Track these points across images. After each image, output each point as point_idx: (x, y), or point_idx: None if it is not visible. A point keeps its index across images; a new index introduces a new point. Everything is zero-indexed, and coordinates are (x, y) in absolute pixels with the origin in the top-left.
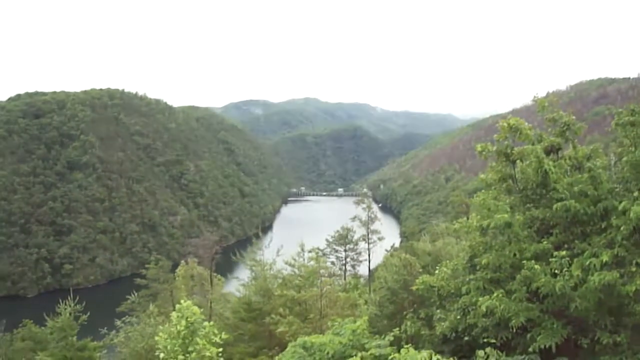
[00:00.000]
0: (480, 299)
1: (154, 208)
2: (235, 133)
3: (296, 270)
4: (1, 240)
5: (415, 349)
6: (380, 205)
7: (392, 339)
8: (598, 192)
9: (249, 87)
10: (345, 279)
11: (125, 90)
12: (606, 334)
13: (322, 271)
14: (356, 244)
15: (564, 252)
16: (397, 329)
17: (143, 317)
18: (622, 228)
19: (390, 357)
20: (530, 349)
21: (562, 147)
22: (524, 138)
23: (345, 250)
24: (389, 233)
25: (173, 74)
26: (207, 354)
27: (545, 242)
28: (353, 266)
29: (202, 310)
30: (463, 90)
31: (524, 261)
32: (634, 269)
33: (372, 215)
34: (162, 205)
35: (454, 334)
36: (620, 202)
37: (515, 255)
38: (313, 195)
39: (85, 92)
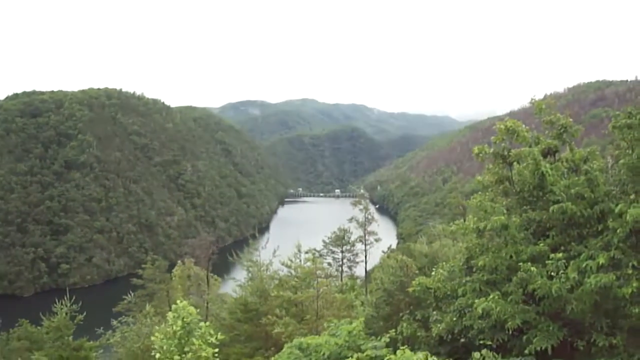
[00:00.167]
0: (477, 300)
1: (151, 208)
2: (232, 133)
3: (292, 271)
4: None
5: (411, 350)
6: (377, 206)
7: (388, 340)
8: (595, 195)
9: (247, 88)
10: (341, 280)
11: (123, 90)
12: (602, 336)
13: (318, 272)
14: (353, 245)
15: (560, 255)
16: (393, 330)
17: (139, 317)
18: (618, 230)
19: (386, 359)
20: (527, 351)
21: (559, 149)
22: (521, 140)
23: (342, 252)
24: (385, 234)
25: (171, 74)
26: (203, 354)
27: (541, 244)
28: (350, 267)
29: (198, 310)
30: (460, 91)
31: (521, 263)
32: (630, 272)
33: (369, 217)
34: (159, 205)
35: (450, 336)
36: (617, 205)
37: (511, 257)
38: (310, 196)
39: (83, 91)
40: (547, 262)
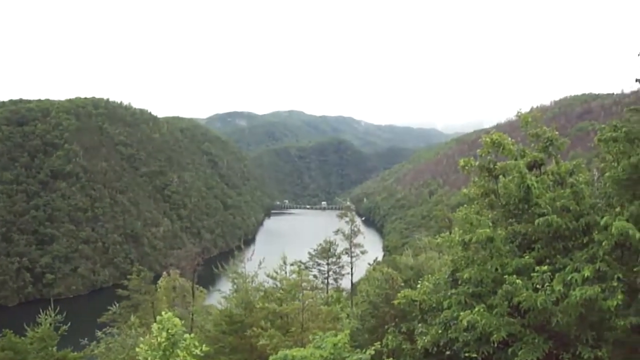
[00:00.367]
0: (462, 313)
1: (137, 219)
2: (219, 144)
3: (278, 283)
4: None
5: None
6: (363, 218)
7: (373, 352)
8: (580, 208)
9: (234, 99)
10: (327, 292)
11: (110, 100)
12: (587, 348)
13: (304, 284)
14: (339, 258)
15: (545, 267)
16: (379, 342)
17: (124, 328)
18: (603, 243)
19: None
20: None
21: (545, 162)
22: (507, 153)
23: (327, 264)
24: (371, 247)
25: (159, 84)
26: None
27: (527, 257)
28: (335, 280)
29: (183, 322)
30: (447, 103)
31: (506, 276)
32: (615, 284)
33: (355, 229)
34: (145, 216)
35: (435, 348)
36: (602, 218)
37: (497, 269)
38: (296, 208)
39: (70, 100)
40: (532, 274)
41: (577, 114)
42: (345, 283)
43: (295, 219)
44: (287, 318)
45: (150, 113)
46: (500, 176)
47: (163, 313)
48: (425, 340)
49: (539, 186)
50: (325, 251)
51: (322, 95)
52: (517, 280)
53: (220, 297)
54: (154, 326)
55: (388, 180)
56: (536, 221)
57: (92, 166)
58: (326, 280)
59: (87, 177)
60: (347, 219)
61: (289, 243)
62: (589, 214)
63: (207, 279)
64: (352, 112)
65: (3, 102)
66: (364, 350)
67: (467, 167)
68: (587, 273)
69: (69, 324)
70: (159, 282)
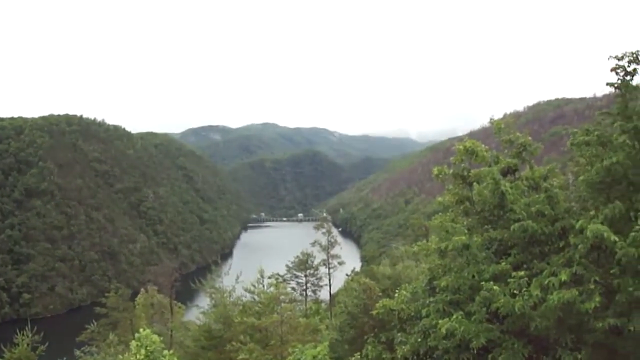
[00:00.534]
0: (441, 321)
1: (113, 236)
2: (193, 159)
3: (256, 297)
4: None
5: None
6: (340, 229)
7: None
8: (555, 212)
9: (208, 113)
10: (306, 304)
11: (84, 116)
12: (567, 351)
13: (282, 297)
14: (316, 269)
15: (522, 273)
16: (358, 353)
17: (103, 346)
18: (579, 246)
19: None
20: None
21: (519, 168)
22: (481, 160)
23: (305, 276)
24: (349, 257)
25: (131, 100)
26: None
27: (503, 263)
28: (314, 291)
29: (162, 338)
30: (421, 112)
31: (483, 282)
32: (592, 287)
33: (332, 240)
34: (121, 232)
35: (415, 357)
36: (578, 221)
37: (474, 276)
38: (273, 220)
39: (43, 117)
40: (509, 280)
41: (550, 119)
42: (324, 294)
43: (272, 231)
44: (266, 331)
45: (124, 129)
46: (475, 183)
47: (141, 330)
48: (405, 349)
49: (514, 192)
50: (303, 263)
51: (295, 107)
52: (495, 287)
53: (198, 312)
54: (133, 343)
55: (364, 191)
56: (512, 227)
57: (67, 183)
58: (304, 292)
59: (61, 194)
60: (324, 230)
61: (266, 256)
62: (564, 218)
63: (185, 295)
64: (326, 123)
65: None
66: None
67: (441, 175)
68: (564, 277)
69: (47, 344)
70: (136, 299)
